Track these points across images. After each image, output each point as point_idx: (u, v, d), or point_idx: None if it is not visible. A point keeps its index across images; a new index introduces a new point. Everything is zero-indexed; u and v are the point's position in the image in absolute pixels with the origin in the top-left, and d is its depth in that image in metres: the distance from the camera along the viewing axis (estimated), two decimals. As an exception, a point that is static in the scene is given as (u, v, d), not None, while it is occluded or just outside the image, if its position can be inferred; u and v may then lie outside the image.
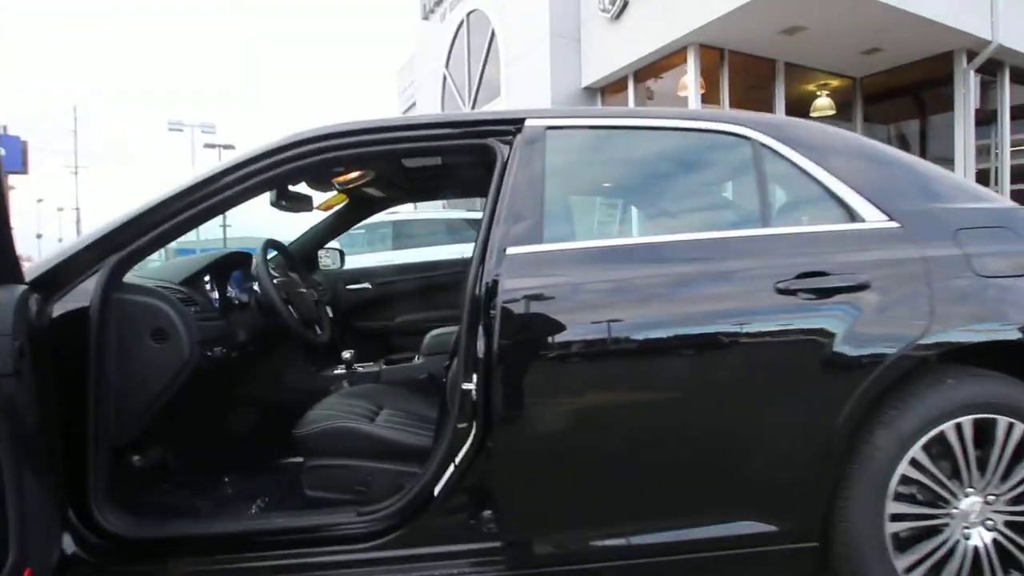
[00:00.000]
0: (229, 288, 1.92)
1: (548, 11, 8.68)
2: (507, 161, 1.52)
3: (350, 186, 2.22)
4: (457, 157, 1.86)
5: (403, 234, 7.31)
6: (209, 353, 1.59)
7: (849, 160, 1.55)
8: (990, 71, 7.74)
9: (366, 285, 2.98)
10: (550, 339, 1.34)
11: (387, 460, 1.60)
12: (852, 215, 1.49)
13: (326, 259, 2.94)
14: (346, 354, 2.16)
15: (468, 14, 11.32)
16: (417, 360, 2.25)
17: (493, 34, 10.54)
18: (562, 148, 1.55)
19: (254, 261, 1.96)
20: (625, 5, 7.86)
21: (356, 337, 2.95)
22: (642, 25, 7.72)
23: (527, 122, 1.55)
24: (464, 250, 7.04)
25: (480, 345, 1.37)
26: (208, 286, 1.82)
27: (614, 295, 1.39)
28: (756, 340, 1.36)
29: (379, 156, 1.63)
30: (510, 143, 1.54)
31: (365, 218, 2.89)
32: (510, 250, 1.41)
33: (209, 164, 1.52)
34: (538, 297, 1.37)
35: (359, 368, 2.23)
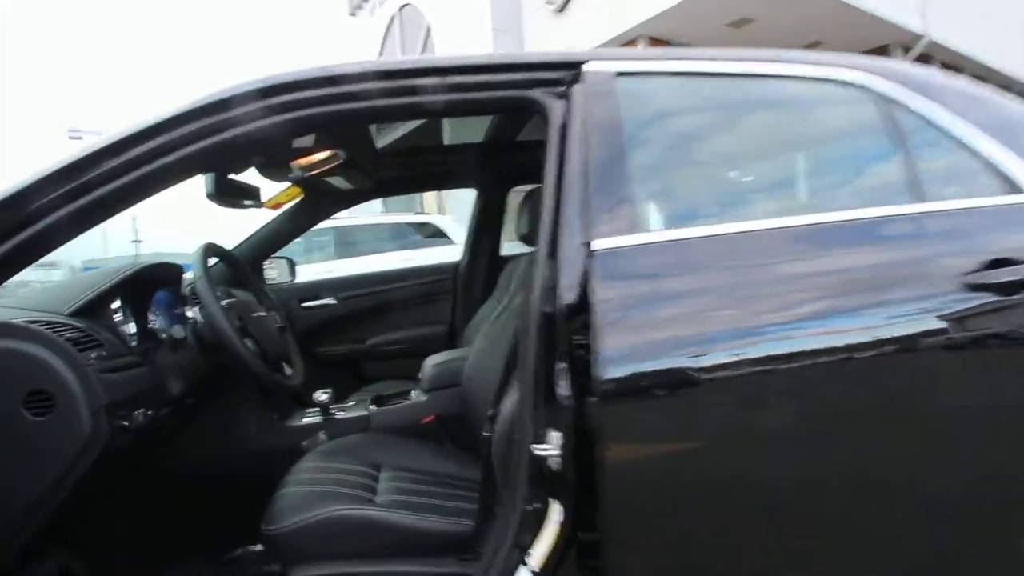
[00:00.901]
0: (152, 317, 1.34)
1: (489, 4, 8.28)
2: (565, 121, 1.07)
3: (314, 171, 1.69)
4: (477, 121, 1.37)
5: (346, 241, 6.67)
6: (124, 422, 1.03)
7: (996, 116, 1.20)
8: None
9: (328, 301, 2.43)
10: (689, 372, 0.89)
11: (411, 557, 1.10)
12: (1012, 185, 1.14)
13: (272, 271, 2.37)
14: (321, 396, 1.61)
15: (400, 8, 10.74)
16: (417, 396, 1.73)
17: (429, 30, 10.02)
18: (638, 102, 1.12)
19: (189, 276, 1.38)
20: (570, -2, 7.57)
21: (316, 367, 2.39)
22: (589, 18, 7.45)
23: (588, 67, 1.10)
24: (413, 257, 6.58)
25: (562, 388, 0.91)
26: (118, 316, 1.24)
27: (758, 301, 0.96)
28: (958, 357, 0.97)
29: (373, 116, 1.14)
30: (566, 96, 1.09)
31: (323, 219, 2.34)
32: (597, 244, 0.95)
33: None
34: (657, 309, 0.92)
35: (339, 413, 1.68)
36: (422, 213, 8.27)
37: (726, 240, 1.00)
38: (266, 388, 1.35)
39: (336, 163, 1.74)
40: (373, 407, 1.71)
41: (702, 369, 0.89)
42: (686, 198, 1.14)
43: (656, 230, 1.04)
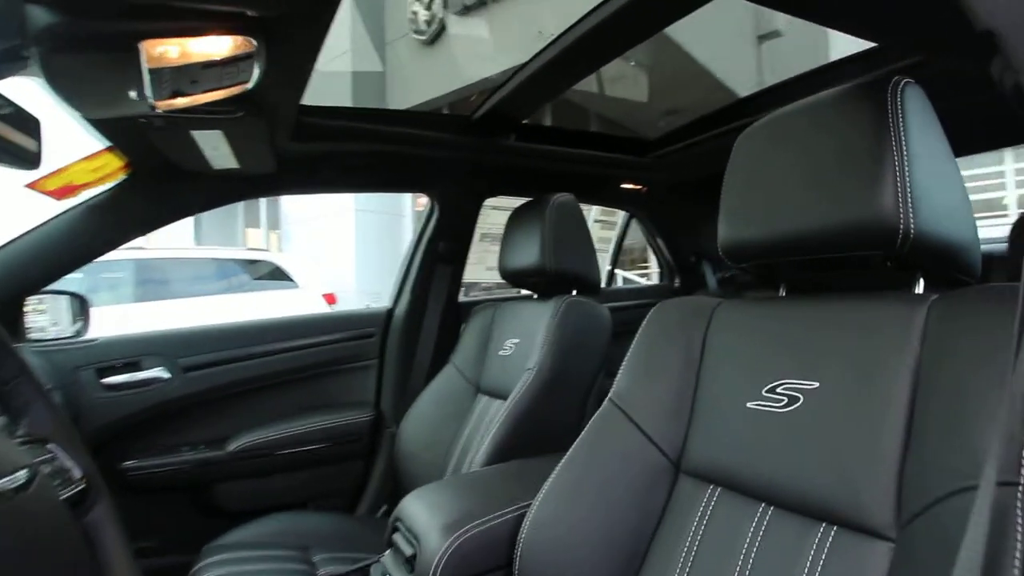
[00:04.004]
0: None
1: (349, 26, 7.44)
2: None
3: (183, 97, 0.75)
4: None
5: (150, 280, 5.08)
6: None
7: None
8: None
9: (156, 374, 1.34)
10: None
11: None
12: None
13: (41, 316, 1.27)
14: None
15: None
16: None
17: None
18: None
19: None
20: (442, 30, 7.04)
21: (124, 495, 1.30)
22: (461, 55, 6.97)
23: None
24: (248, 302, 5.22)
25: None
26: None
27: None
28: None
29: None
30: None
31: (164, 223, 1.29)
32: None
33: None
34: None
35: None
36: (260, 248, 6.84)
37: None
38: None
39: (237, 87, 0.82)
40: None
41: None
42: None
43: None
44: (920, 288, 0.65)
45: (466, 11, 6.74)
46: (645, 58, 6.54)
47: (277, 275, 5.83)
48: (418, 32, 7.20)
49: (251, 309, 5.11)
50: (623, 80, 7.04)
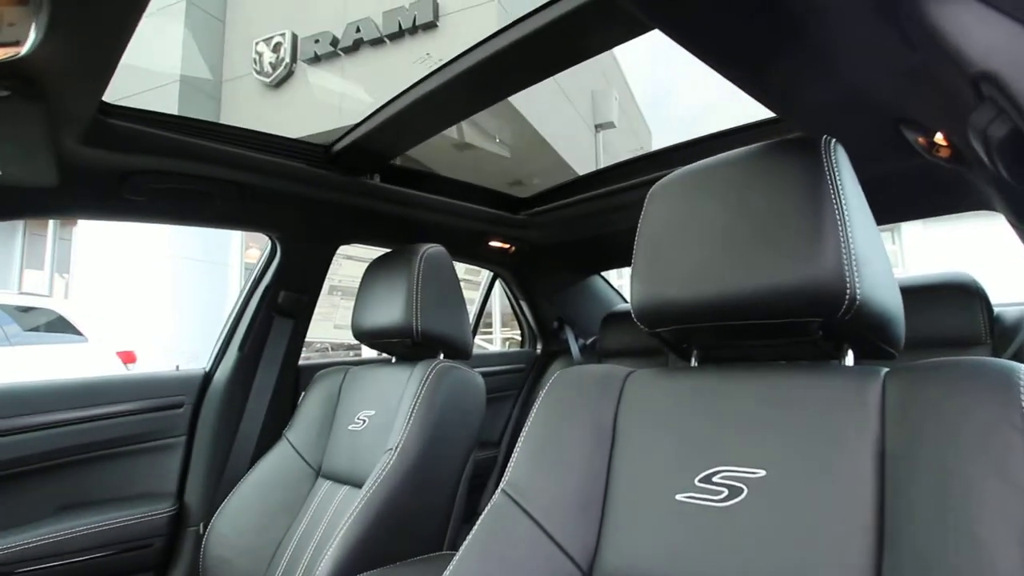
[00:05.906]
0: None
1: (180, 52, 6.79)
2: None
3: None
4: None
5: None
6: None
7: None
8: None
9: None
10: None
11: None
12: None
13: None
14: None
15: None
16: None
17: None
18: None
19: None
20: (289, 75, 6.72)
21: None
22: (307, 103, 6.68)
23: None
24: (9, 358, 4.18)
25: None
26: None
27: None
28: None
29: None
30: None
31: None
32: None
33: None
34: None
35: None
36: (32, 294, 5.64)
37: None
38: None
39: (1, 51, 0.58)
40: None
41: None
42: None
43: None
44: (850, 360, 0.60)
45: (317, 60, 6.52)
46: (497, 128, 6.80)
47: (59, 326, 4.85)
48: (262, 74, 6.78)
49: (14, 368, 4.12)
50: (474, 147, 7.23)
